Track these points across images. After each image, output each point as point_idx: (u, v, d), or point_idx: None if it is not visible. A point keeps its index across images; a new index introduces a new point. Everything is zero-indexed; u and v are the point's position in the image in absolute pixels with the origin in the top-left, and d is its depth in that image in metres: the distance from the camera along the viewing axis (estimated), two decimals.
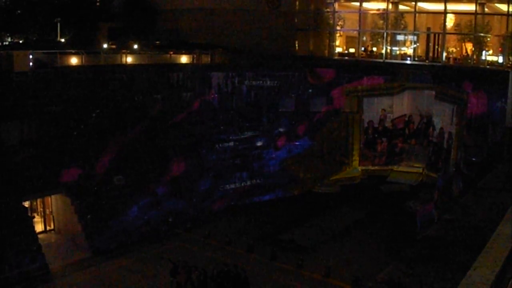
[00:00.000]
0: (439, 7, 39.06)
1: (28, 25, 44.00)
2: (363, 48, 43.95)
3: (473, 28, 37.85)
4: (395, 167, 41.23)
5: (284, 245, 28.79)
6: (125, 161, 32.02)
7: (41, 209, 30.63)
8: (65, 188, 28.90)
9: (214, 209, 34.47)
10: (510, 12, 35.51)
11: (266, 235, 30.33)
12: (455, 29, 40.60)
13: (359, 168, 41.30)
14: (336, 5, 42.97)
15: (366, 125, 41.71)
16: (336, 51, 44.57)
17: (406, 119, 42.19)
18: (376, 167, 41.58)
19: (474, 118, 33.59)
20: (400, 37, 43.00)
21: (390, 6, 40.87)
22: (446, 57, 40.14)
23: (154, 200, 31.78)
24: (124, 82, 34.42)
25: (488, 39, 39.04)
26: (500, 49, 39.21)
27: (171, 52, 40.09)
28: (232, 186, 36.40)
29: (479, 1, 36.76)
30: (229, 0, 45.74)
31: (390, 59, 41.40)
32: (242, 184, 36.76)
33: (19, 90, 29.38)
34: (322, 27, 44.11)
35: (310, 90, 40.83)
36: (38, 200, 30.50)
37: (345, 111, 41.14)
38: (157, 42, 45.20)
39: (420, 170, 40.07)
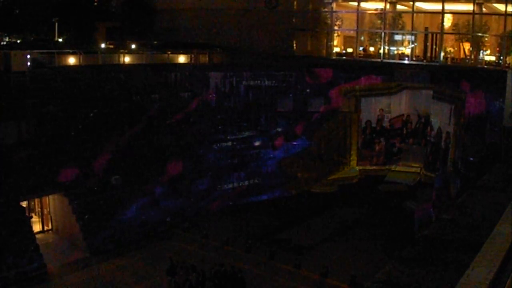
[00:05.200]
0: (437, 7, 39.13)
1: (26, 25, 44.00)
2: (361, 48, 44.00)
3: (470, 28, 37.90)
4: (393, 167, 41.29)
5: (282, 245, 28.78)
6: (122, 161, 31.98)
7: (39, 209, 30.57)
8: (63, 188, 28.84)
9: (212, 209, 34.44)
10: (507, 12, 35.56)
11: (264, 235, 30.31)
12: (453, 29, 40.66)
13: (357, 168, 41.35)
14: (334, 5, 43.02)
15: (364, 125, 41.76)
16: (334, 51, 44.61)
17: (404, 119, 42.25)
18: (374, 167, 41.62)
19: (471, 118, 33.60)
20: (398, 37, 43.06)
21: (388, 6, 40.92)
22: (444, 57, 40.20)
23: (152, 200, 31.74)
24: (122, 82, 34.39)
25: (486, 39, 39.10)
26: (497, 49, 39.28)
27: (169, 52, 40.10)
28: (230, 186, 36.38)
29: (477, 1, 36.81)
30: (227, 0, 45.75)
31: (388, 59, 41.48)
32: (240, 184, 36.74)
33: (17, 90, 29.34)
34: (320, 27, 44.15)
35: (308, 90, 40.85)
36: (36, 200, 30.46)
37: (343, 111, 41.16)
38: (155, 42, 45.20)
39: (418, 170, 40.14)
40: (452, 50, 42.16)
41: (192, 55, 40.14)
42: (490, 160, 26.19)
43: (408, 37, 42.34)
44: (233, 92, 39.46)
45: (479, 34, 38.15)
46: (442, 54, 39.83)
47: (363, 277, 23.26)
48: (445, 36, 40.13)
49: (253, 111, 39.73)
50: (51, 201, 30.01)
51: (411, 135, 42.18)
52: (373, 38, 43.71)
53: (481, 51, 39.34)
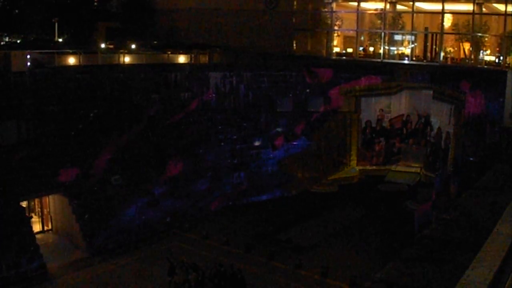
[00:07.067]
0: (437, 7, 39.11)
1: (26, 25, 44.01)
2: (361, 48, 43.99)
3: (470, 28, 37.88)
4: (393, 167, 41.31)
5: (282, 245, 28.78)
6: (122, 161, 31.97)
7: (39, 209, 30.57)
8: (63, 188, 28.84)
9: (212, 209, 34.43)
10: (507, 12, 35.54)
11: (264, 235, 30.31)
12: (453, 29, 40.63)
13: (357, 168, 41.37)
14: (334, 5, 42.99)
15: (364, 125, 41.81)
16: (334, 51, 44.59)
17: (404, 119, 42.30)
18: (374, 167, 41.66)
19: (471, 118, 33.63)
20: (397, 37, 43.02)
21: (388, 6, 40.90)
22: (443, 57, 40.18)
23: (152, 200, 31.73)
24: (121, 82, 34.40)
25: (486, 39, 39.09)
26: (497, 49, 39.27)
27: (169, 52, 40.11)
28: (230, 186, 36.38)
29: (476, 1, 36.79)
30: (227, 0, 45.74)
31: (388, 59, 41.44)
32: (240, 184, 36.73)
33: (17, 90, 29.35)
34: (320, 27, 44.13)
35: (308, 90, 40.87)
36: (36, 200, 30.45)
37: (343, 111, 41.20)
38: (155, 42, 45.22)
39: (418, 170, 40.16)
40: (452, 50, 42.13)
41: (192, 55, 40.15)
42: (490, 160, 26.20)
43: (408, 37, 42.31)
44: (233, 92, 39.47)
45: (479, 34, 38.13)
46: (442, 54, 39.78)
47: (363, 277, 23.30)
48: (445, 36, 40.11)
49: (253, 111, 39.73)
50: (51, 201, 30.01)
51: (411, 135, 42.21)
52: (373, 38, 43.69)
53: (481, 51, 39.32)
